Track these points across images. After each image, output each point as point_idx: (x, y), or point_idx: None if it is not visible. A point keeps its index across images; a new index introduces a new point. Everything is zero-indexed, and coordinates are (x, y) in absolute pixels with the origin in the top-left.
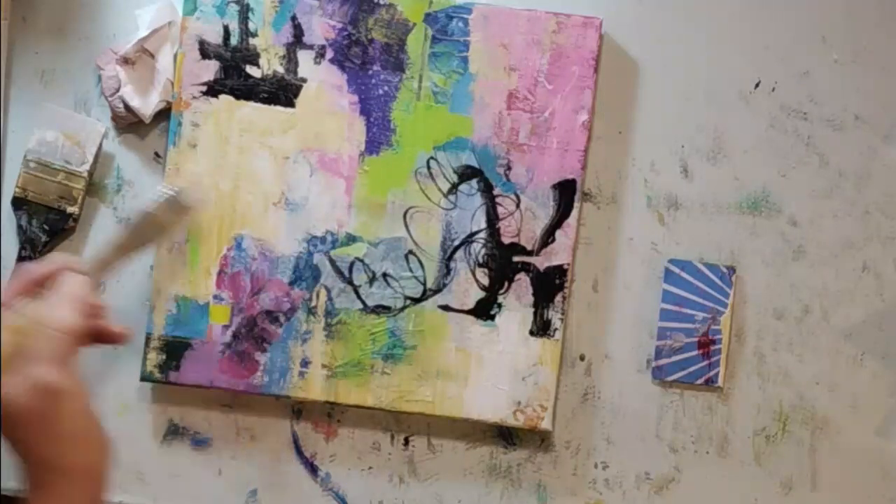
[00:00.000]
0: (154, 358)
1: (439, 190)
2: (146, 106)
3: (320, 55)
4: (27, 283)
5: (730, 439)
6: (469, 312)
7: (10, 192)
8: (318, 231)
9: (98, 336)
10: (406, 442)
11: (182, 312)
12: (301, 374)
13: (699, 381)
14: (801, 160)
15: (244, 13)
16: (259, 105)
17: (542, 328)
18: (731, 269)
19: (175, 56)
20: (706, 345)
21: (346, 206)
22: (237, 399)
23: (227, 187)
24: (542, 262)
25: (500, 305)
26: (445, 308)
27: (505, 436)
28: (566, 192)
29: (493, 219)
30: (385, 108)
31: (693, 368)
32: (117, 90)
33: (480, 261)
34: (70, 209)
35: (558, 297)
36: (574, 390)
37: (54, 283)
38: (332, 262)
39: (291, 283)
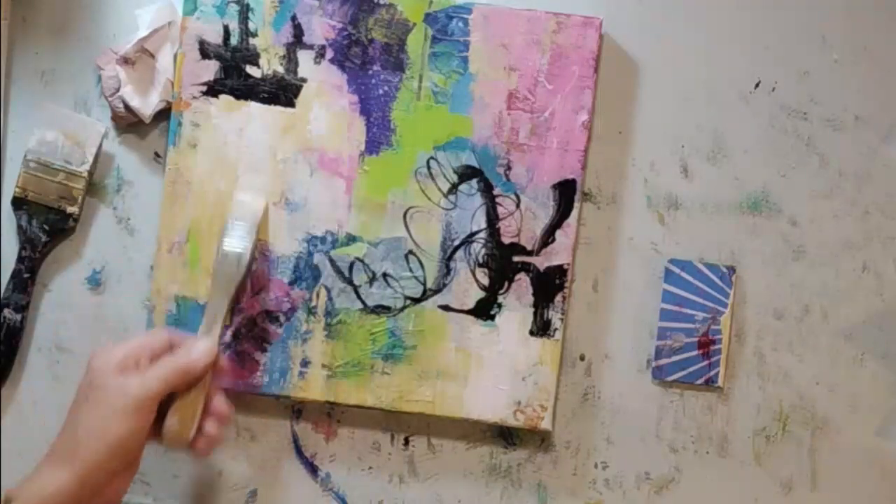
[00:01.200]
0: None
1: (439, 190)
2: (146, 106)
3: (320, 55)
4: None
5: (730, 439)
6: (469, 312)
7: (10, 192)
8: (318, 231)
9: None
10: (406, 442)
11: (182, 312)
12: (301, 374)
13: (699, 381)
14: (801, 160)
15: (244, 13)
16: (259, 105)
17: (542, 328)
18: (731, 269)
19: (175, 56)
20: (706, 345)
21: (346, 206)
22: (237, 399)
23: (227, 187)
24: (542, 262)
25: (500, 305)
26: (445, 308)
27: (505, 436)
28: (566, 192)
29: (493, 219)
30: (385, 108)
31: (693, 368)
32: (117, 90)
33: (480, 261)
34: (70, 209)
35: (558, 297)
36: (574, 390)
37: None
38: (332, 262)
39: (291, 283)
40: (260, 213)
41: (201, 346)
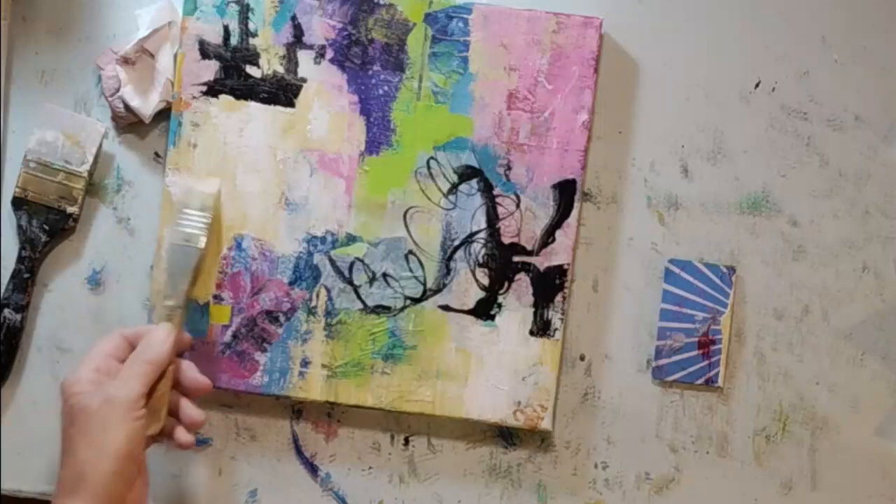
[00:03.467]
0: None
1: (439, 190)
2: (146, 106)
3: (320, 55)
4: (112, 347)
5: (730, 439)
6: (469, 312)
7: (10, 192)
8: (318, 231)
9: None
10: (406, 442)
11: None
12: (301, 374)
13: (699, 381)
14: (801, 160)
15: (244, 13)
16: (259, 105)
17: (542, 328)
18: (731, 269)
19: (175, 56)
20: (706, 345)
21: (346, 206)
22: (237, 399)
23: (227, 187)
24: (542, 262)
25: (500, 305)
26: (445, 308)
27: (505, 436)
28: (566, 192)
29: (493, 219)
30: (385, 108)
31: (693, 368)
32: (117, 90)
33: (480, 261)
34: (70, 209)
35: (558, 297)
36: (574, 390)
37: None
38: (332, 262)
39: (291, 283)
40: (213, 196)
41: (160, 334)
